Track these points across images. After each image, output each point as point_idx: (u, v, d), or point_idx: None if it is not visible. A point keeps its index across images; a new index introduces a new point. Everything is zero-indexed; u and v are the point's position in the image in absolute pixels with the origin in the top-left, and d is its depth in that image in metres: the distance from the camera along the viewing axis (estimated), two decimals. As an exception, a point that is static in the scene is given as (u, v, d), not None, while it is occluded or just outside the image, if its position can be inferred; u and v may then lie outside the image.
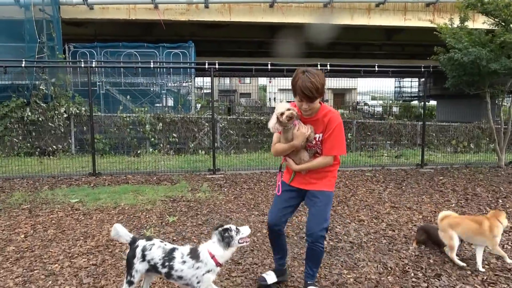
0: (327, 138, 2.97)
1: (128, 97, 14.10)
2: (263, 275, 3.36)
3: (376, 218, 5.48)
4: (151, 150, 12.63)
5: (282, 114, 2.95)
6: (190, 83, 16.65)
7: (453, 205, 6.27)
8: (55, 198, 6.50)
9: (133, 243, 2.80)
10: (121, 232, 2.81)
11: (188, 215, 5.55)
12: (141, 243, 2.78)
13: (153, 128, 12.91)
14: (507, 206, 6.17)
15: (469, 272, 3.68)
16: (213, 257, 2.76)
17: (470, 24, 9.77)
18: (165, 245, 2.84)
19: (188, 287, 2.79)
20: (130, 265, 2.73)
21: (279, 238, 3.29)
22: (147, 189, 7.10)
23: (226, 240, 2.75)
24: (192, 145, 13.07)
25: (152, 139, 12.91)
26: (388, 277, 3.58)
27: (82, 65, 11.05)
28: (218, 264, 2.79)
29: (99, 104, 14.45)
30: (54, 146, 12.31)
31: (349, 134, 13.95)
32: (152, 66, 11.13)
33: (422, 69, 9.70)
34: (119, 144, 12.97)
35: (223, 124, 13.51)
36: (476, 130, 14.73)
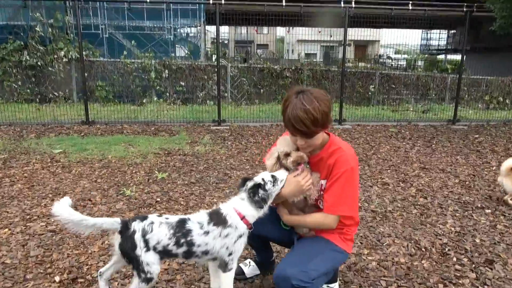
0: (329, 188, 2.00)
1: (133, 42, 13.04)
2: (241, 264, 2.55)
3: (403, 182, 4.59)
4: (156, 99, 11.79)
5: (287, 155, 2.00)
6: (199, 27, 15.42)
7: (494, 168, 5.30)
8: (37, 147, 5.79)
9: (125, 229, 1.94)
10: (65, 214, 1.84)
11: (181, 171, 4.76)
12: (138, 226, 1.92)
13: (159, 76, 11.97)
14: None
15: (529, 258, 2.81)
16: (243, 218, 1.96)
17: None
18: (167, 218, 1.98)
19: (214, 262, 2.05)
20: (135, 260, 1.88)
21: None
22: (142, 140, 6.32)
23: (260, 199, 1.96)
24: (201, 94, 12.15)
25: (158, 87, 12.02)
26: (423, 262, 2.74)
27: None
28: (249, 227, 1.99)
29: (102, 49, 13.50)
30: (55, 93, 11.60)
31: (371, 87, 12.75)
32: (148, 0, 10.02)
33: (464, 12, 8.27)
34: (123, 93, 12.15)
35: (234, 73, 12.43)
36: (513, 84, 13.30)
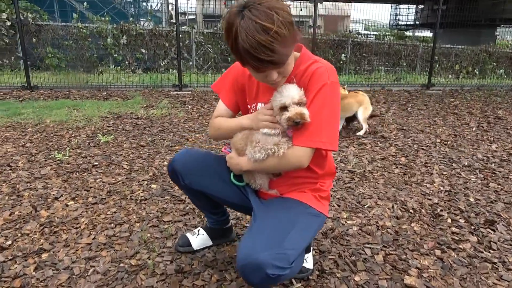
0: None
1: (85, 3, 11.88)
2: (187, 234, 1.98)
3: (381, 142, 4.13)
4: (113, 67, 10.83)
5: (283, 108, 1.38)
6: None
7: (474, 128, 4.94)
8: (-39, 112, 4.93)
9: None
10: None
11: (130, 134, 4.10)
12: None
13: (116, 42, 10.96)
14: (544, 130, 4.87)
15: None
16: None
17: None
18: None
19: None
20: None
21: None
22: (89, 104, 5.55)
23: None
24: (163, 63, 11.28)
25: (116, 55, 11.02)
26: (412, 225, 2.26)
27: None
28: None
29: (53, 12, 12.26)
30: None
31: (342, 55, 12.28)
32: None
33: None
34: (77, 61, 11.08)
35: (198, 39, 11.59)
36: (482, 54, 13.21)
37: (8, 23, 10.39)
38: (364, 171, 3.18)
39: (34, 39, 10.89)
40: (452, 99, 7.28)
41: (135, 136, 4.04)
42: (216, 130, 1.65)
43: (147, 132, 4.20)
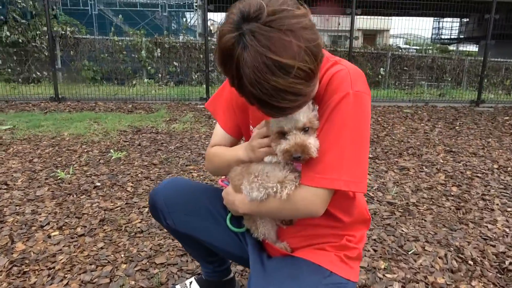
0: (318, 135, 0.98)
1: (120, 16, 12.05)
2: (177, 286, 1.56)
3: (427, 166, 3.56)
4: (146, 80, 10.81)
5: (280, 134, 0.97)
6: (197, 13, 14.37)
7: (538, 152, 4.24)
8: (-16, 123, 4.85)
9: None
10: None
11: (145, 151, 3.78)
12: None
13: (150, 55, 10.98)
14: None
15: None
16: None
17: None
18: None
19: None
20: None
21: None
22: (111, 117, 5.34)
23: None
24: (195, 76, 11.18)
25: (149, 67, 11.03)
26: (473, 283, 1.73)
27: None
28: None
29: (91, 27, 12.54)
30: (38, 73, 10.68)
31: (381, 69, 11.64)
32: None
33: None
34: (112, 73, 11.18)
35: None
36: (538, 68, 12.12)
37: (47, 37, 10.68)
38: (407, 203, 2.65)
39: (72, 52, 11.13)
40: (507, 117, 6.50)
41: (150, 152, 3.72)
42: (211, 163, 1.24)
43: (164, 149, 3.87)
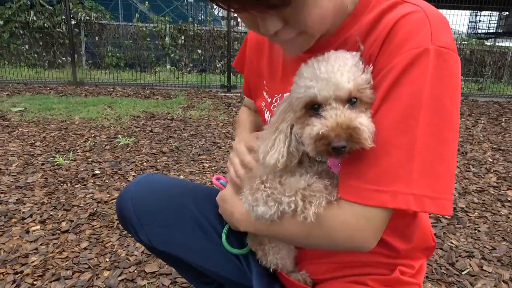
0: (374, 116, 0.58)
1: (146, 3, 11.85)
2: None
3: (474, 166, 3.08)
4: (169, 67, 10.59)
5: (311, 106, 0.58)
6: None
7: None
8: (-4, 105, 4.68)
9: None
10: None
11: (156, 137, 3.47)
12: None
13: (174, 42, 10.74)
14: None
15: None
16: None
17: None
18: None
19: None
20: None
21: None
22: (126, 102, 5.08)
23: None
24: (219, 65, 10.87)
25: (173, 55, 10.80)
26: (556, 322, 1.30)
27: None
28: None
29: (117, 12, 12.42)
30: (63, 58, 10.64)
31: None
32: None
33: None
34: (135, 60, 11.03)
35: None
36: None
37: (73, 22, 10.59)
38: (454, 208, 2.22)
39: (97, 37, 11.03)
40: (560, 114, 5.84)
41: (161, 139, 3.40)
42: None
43: (176, 136, 3.55)
